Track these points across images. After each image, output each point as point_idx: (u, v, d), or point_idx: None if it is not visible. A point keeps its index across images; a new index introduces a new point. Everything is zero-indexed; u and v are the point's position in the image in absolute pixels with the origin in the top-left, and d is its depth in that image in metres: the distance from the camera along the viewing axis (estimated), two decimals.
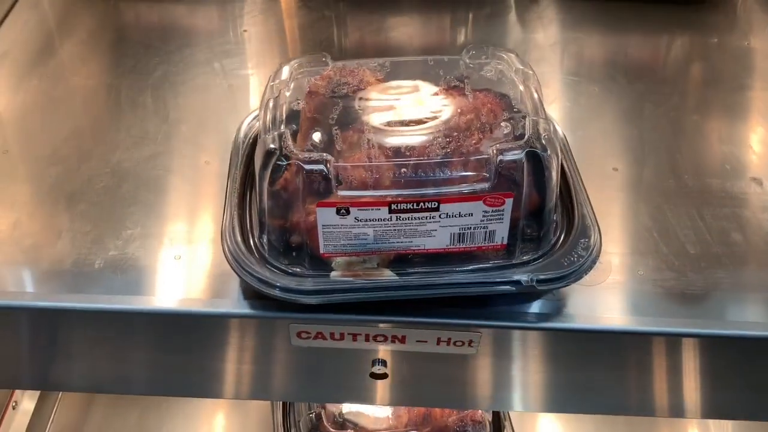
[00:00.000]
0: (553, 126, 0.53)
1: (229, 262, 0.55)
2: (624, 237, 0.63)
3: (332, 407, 0.95)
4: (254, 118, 0.66)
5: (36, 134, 0.73)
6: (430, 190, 0.51)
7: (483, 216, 0.52)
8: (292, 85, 0.58)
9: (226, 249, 0.55)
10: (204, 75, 0.81)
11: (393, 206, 0.50)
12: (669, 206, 0.65)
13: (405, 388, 0.65)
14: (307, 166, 0.50)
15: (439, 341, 0.57)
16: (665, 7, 0.93)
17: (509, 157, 0.50)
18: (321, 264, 0.54)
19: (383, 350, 0.60)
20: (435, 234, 0.53)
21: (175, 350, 0.62)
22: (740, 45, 0.88)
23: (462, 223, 0.52)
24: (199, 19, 0.92)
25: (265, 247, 0.56)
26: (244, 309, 0.56)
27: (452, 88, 0.57)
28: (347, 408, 0.95)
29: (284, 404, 0.98)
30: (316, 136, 0.52)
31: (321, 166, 0.50)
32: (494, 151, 0.50)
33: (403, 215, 0.51)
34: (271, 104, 0.56)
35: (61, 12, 0.92)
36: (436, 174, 0.51)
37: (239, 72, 0.82)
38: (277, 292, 0.53)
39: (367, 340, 0.58)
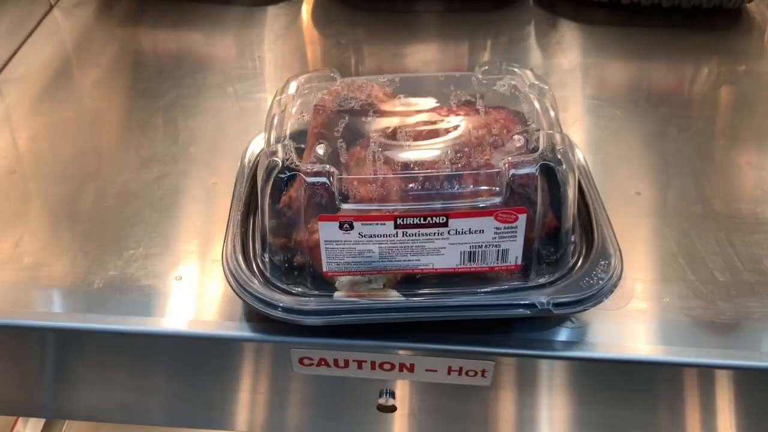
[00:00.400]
0: (569, 141, 0.50)
1: (228, 282, 0.52)
2: (648, 263, 0.59)
3: None
4: (263, 139, 0.64)
5: (45, 155, 0.72)
6: (438, 204, 0.48)
7: (495, 233, 0.49)
8: (299, 101, 0.56)
9: (227, 268, 0.53)
10: (216, 98, 0.80)
11: (399, 221, 0.48)
12: (696, 232, 0.62)
13: (415, 423, 0.61)
14: (310, 179, 0.48)
15: (450, 371, 0.54)
16: (689, 33, 0.91)
17: (522, 170, 0.48)
18: (324, 284, 0.52)
19: (391, 380, 0.57)
20: (444, 252, 0.50)
21: (172, 375, 0.59)
22: None
23: (472, 240, 0.49)
24: (215, 46, 0.92)
25: (267, 267, 0.53)
26: (242, 332, 0.53)
27: (464, 105, 0.55)
28: None
29: None
30: (321, 150, 0.50)
31: (324, 179, 0.48)
32: (506, 165, 0.48)
33: (409, 231, 0.48)
34: (276, 119, 0.55)
35: (80, 38, 0.93)
36: (445, 188, 0.48)
37: (252, 95, 0.81)
38: (278, 313, 0.50)
39: (373, 368, 0.55)
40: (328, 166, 0.49)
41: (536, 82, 0.55)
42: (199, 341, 0.55)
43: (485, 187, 0.48)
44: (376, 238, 0.49)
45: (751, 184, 0.67)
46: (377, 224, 0.48)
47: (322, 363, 0.54)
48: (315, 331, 0.52)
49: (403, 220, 0.48)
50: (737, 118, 0.78)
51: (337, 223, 0.49)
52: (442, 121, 0.53)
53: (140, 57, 0.90)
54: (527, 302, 0.49)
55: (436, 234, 0.49)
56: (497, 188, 0.48)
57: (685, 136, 0.73)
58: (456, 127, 0.52)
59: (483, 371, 0.54)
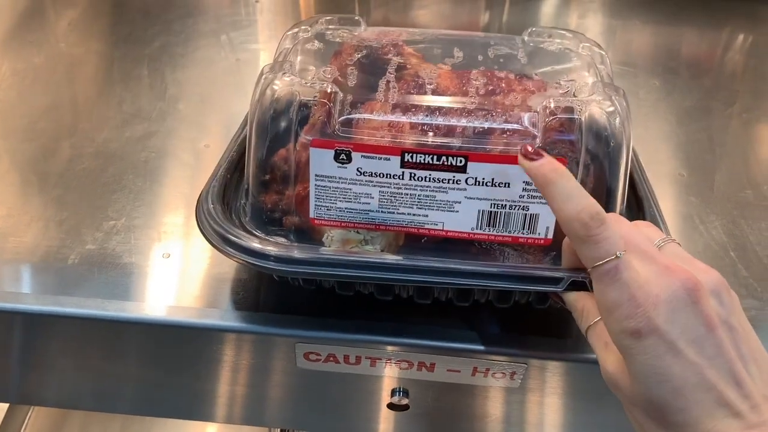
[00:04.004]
0: (625, 95, 0.43)
1: (198, 223, 0.44)
2: (695, 254, 0.53)
3: None
4: None
5: (13, 106, 0.63)
6: (456, 142, 0.40)
7: (524, 189, 0.41)
8: (317, 39, 0.48)
9: (201, 209, 0.44)
10: (208, 47, 0.72)
11: (407, 156, 0.40)
12: (746, 221, 0.56)
13: (427, 422, 0.55)
14: (304, 97, 0.40)
15: (475, 371, 0.48)
16: None
17: (565, 114, 0.39)
18: (311, 237, 0.44)
19: (406, 378, 0.50)
20: (458, 208, 0.42)
21: (158, 365, 0.52)
22: None
23: (495, 196, 0.41)
24: None
25: (247, 212, 0.45)
26: (240, 323, 0.46)
27: (505, 68, 0.47)
28: None
29: None
30: (327, 72, 0.42)
31: (323, 99, 0.40)
32: (546, 108, 0.40)
33: (418, 172, 0.40)
34: (285, 54, 0.46)
35: None
36: (468, 123, 0.40)
37: (249, 46, 0.73)
38: (242, 255, 0.41)
39: (388, 365, 0.48)
40: (330, 84, 0.41)
41: (588, 45, 0.47)
42: (186, 330, 0.48)
43: (517, 130, 0.39)
44: (378, 179, 0.41)
45: None
46: (380, 158, 0.40)
47: (331, 359, 0.48)
48: (323, 325, 0.46)
49: (412, 157, 0.40)
50: None
51: (333, 152, 0.40)
52: (475, 83, 0.45)
53: None
54: (556, 276, 0.40)
55: (451, 181, 0.41)
56: (532, 130, 0.40)
57: (731, 112, 0.66)
58: (492, 85, 0.44)
59: (513, 373, 0.48)
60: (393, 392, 0.51)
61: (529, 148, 0.36)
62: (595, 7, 0.83)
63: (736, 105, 0.67)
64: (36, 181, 0.56)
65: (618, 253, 0.34)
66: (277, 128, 0.42)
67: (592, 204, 0.35)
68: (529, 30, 0.49)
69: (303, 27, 0.49)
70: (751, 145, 0.63)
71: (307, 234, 0.44)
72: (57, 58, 0.69)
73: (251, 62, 0.70)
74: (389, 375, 0.50)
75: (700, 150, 0.62)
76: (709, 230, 0.55)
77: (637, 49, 0.76)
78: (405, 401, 0.52)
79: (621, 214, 0.45)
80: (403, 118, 0.41)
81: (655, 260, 0.34)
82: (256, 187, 0.44)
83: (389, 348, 0.46)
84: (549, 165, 0.36)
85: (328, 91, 0.40)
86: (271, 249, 0.41)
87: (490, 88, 0.44)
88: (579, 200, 0.35)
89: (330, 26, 0.49)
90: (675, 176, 0.59)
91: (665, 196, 0.56)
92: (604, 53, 0.47)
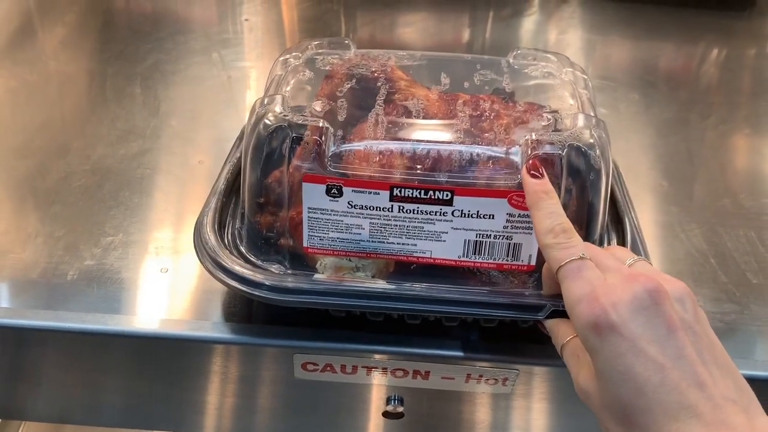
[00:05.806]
0: (605, 127, 0.45)
1: (196, 252, 0.46)
2: (677, 262, 0.55)
3: None
4: None
5: (6, 123, 0.64)
6: (443, 177, 0.42)
7: (507, 221, 0.43)
8: (308, 67, 0.49)
9: (197, 235, 0.46)
10: (200, 65, 0.73)
11: (396, 191, 0.42)
12: (725, 228, 0.58)
13: (421, 430, 0.56)
14: (297, 132, 0.42)
15: (468, 378, 0.49)
16: (703, 13, 0.87)
17: (545, 149, 0.41)
18: (304, 264, 0.46)
19: (401, 386, 0.52)
20: (446, 238, 0.44)
21: (157, 378, 0.53)
22: None
23: (480, 227, 0.43)
24: (196, 5, 0.84)
25: (244, 239, 0.47)
26: (239, 335, 0.48)
27: (491, 93, 0.49)
28: None
29: None
30: (318, 106, 0.44)
31: (315, 135, 0.41)
32: (529, 141, 0.42)
33: (407, 206, 0.42)
34: (276, 81, 0.48)
35: None
36: (454, 159, 0.42)
37: (239, 63, 0.74)
38: (238, 284, 0.43)
39: (384, 374, 0.49)
40: (321, 120, 0.42)
41: (571, 69, 0.50)
42: (186, 343, 0.49)
43: (501, 165, 0.42)
44: (368, 211, 0.43)
45: None
46: (370, 193, 0.42)
47: (328, 368, 0.49)
48: (320, 335, 0.47)
49: (400, 191, 0.42)
50: (760, 106, 0.74)
51: (324, 187, 0.42)
52: (462, 106, 0.47)
53: (112, 15, 0.82)
54: (539, 303, 0.43)
55: (438, 213, 0.43)
56: (514, 167, 0.42)
57: (708, 124, 0.69)
58: (478, 113, 0.46)
59: (505, 379, 0.49)
60: (388, 400, 0.53)
61: (535, 165, 0.41)
62: (575, 24, 0.85)
63: (712, 117, 0.70)
64: (33, 198, 0.57)
65: (582, 254, 0.37)
66: (270, 162, 0.44)
67: (567, 223, 0.39)
68: (514, 52, 0.51)
69: (294, 53, 0.51)
70: (727, 156, 0.65)
71: (302, 259, 0.46)
72: (50, 76, 0.70)
73: (242, 80, 0.72)
74: (385, 384, 0.51)
75: (680, 161, 0.64)
76: (690, 238, 0.57)
77: (617, 63, 0.79)
78: (400, 409, 0.53)
79: (601, 233, 0.47)
80: (393, 152, 0.42)
81: (621, 271, 0.37)
82: (251, 211, 0.46)
83: (386, 357, 0.48)
84: (543, 186, 0.40)
85: (320, 125, 0.42)
86: (265, 278, 0.43)
87: (477, 115, 0.46)
88: (557, 218, 0.39)
89: (320, 50, 0.50)
90: (656, 186, 0.61)
91: (647, 206, 0.58)
92: (586, 77, 0.49)
